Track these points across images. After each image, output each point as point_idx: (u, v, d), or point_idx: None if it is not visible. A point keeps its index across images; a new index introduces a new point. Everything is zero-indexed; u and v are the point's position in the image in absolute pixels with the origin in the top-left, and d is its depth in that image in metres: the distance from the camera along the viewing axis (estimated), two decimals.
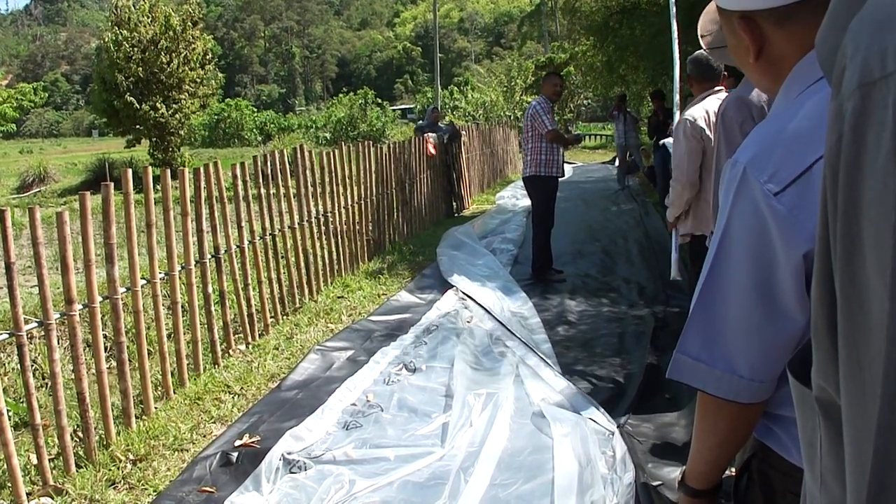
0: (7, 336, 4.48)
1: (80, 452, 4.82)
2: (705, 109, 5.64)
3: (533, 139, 9.15)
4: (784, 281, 1.47)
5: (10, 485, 4.24)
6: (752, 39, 1.59)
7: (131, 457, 4.87)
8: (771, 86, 1.67)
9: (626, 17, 15.03)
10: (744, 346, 1.56)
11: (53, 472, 4.56)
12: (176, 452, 4.97)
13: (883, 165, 0.69)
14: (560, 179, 9.28)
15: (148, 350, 5.62)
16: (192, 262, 6.22)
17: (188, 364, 6.14)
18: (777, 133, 1.51)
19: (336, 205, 9.29)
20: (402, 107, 74.67)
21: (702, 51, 5.92)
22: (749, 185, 1.48)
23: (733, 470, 1.87)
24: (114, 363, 5.49)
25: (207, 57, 31.73)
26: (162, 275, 5.83)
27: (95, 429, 4.92)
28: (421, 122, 16.91)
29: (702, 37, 3.56)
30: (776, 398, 1.64)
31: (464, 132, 16.48)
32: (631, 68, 15.67)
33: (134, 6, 29.71)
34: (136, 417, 5.33)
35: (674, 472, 4.36)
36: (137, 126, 29.86)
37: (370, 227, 10.51)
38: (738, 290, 1.54)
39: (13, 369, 6.29)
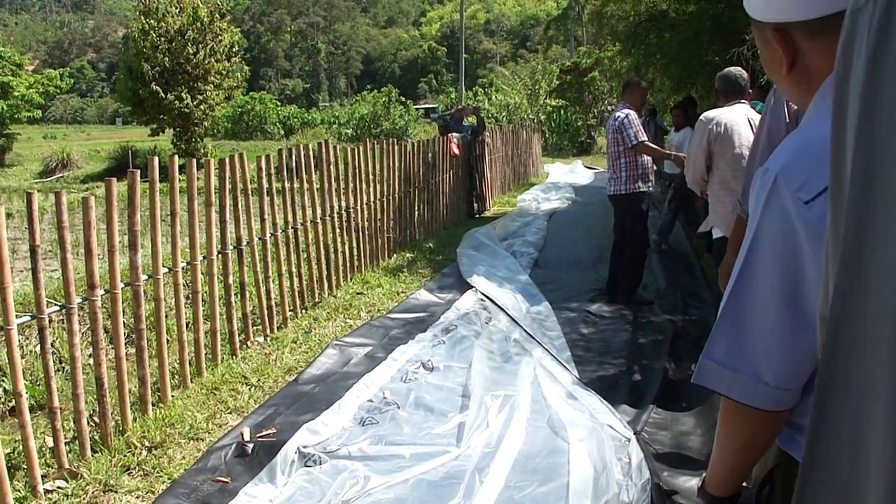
0: (29, 318, 4.49)
1: (96, 437, 4.83)
2: (723, 112, 6.17)
3: (626, 153, 8.38)
4: (812, 289, 1.48)
5: (25, 467, 4.26)
6: (785, 51, 1.62)
7: (147, 443, 4.88)
8: (802, 97, 1.68)
9: (654, 25, 14.97)
10: (770, 354, 1.57)
11: (69, 455, 4.57)
12: (191, 441, 4.97)
13: (860, 77, 0.83)
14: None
15: (166, 338, 5.63)
16: (214, 253, 6.23)
17: (206, 354, 6.15)
18: (809, 142, 1.52)
19: (358, 201, 9.29)
20: (426, 106, 74.64)
21: (731, 68, 6.20)
22: (780, 194, 1.50)
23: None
24: (132, 350, 5.50)
25: (233, 49, 31.78)
26: (184, 264, 5.83)
27: (112, 414, 4.92)
28: (445, 114, 16.74)
29: None
30: (801, 407, 1.64)
31: (487, 133, 16.44)
32: (658, 73, 15.61)
33: None
34: (153, 405, 5.34)
35: (689, 482, 4.33)
36: (161, 115, 29.93)
37: (391, 225, 10.51)
38: (766, 297, 1.55)
39: (31, 352, 6.31)
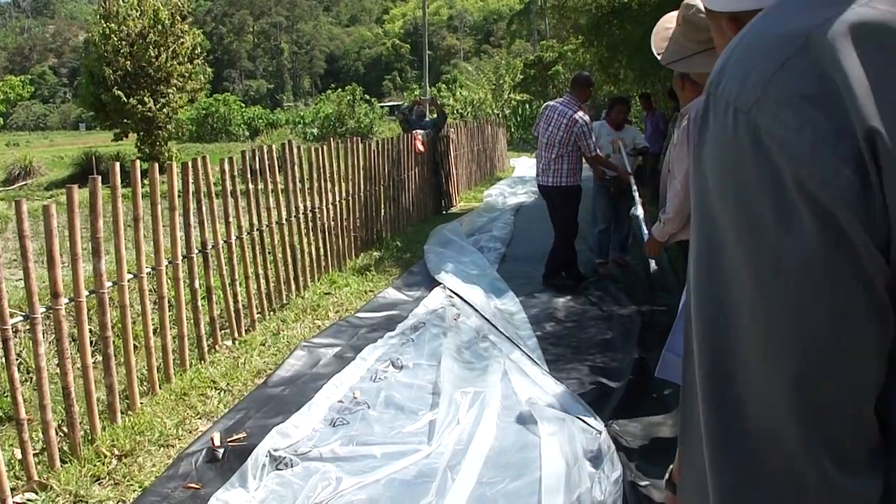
0: None
1: (65, 447, 4.80)
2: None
3: (573, 152, 8.76)
4: None
5: None
6: None
7: (116, 452, 4.85)
8: None
9: (617, 17, 15.03)
10: None
11: (38, 467, 4.53)
12: (161, 448, 4.95)
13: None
14: None
15: (134, 345, 5.59)
16: (179, 257, 6.20)
17: (174, 359, 6.11)
18: None
19: (324, 201, 9.27)
20: (391, 103, 74.44)
21: None
22: None
23: None
24: (99, 358, 5.47)
25: (196, 51, 31.64)
26: (149, 269, 5.80)
27: (80, 424, 4.89)
28: (405, 108, 16.64)
29: (658, 55, 3.54)
30: None
31: (452, 129, 16.42)
32: (622, 67, 15.66)
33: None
34: (122, 413, 5.31)
35: (661, 472, 4.36)
36: (125, 120, 29.78)
37: (358, 224, 10.49)
38: None
39: None
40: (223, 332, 6.99)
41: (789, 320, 0.77)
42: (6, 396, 5.25)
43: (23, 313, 4.69)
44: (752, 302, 0.79)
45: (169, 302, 6.10)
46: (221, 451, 4.74)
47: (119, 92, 28.45)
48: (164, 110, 29.76)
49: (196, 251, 6.50)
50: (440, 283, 8.69)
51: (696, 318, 0.88)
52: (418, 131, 14.03)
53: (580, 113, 8.59)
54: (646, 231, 5.63)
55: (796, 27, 0.79)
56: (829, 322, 0.75)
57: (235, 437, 4.95)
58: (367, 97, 47.18)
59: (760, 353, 0.79)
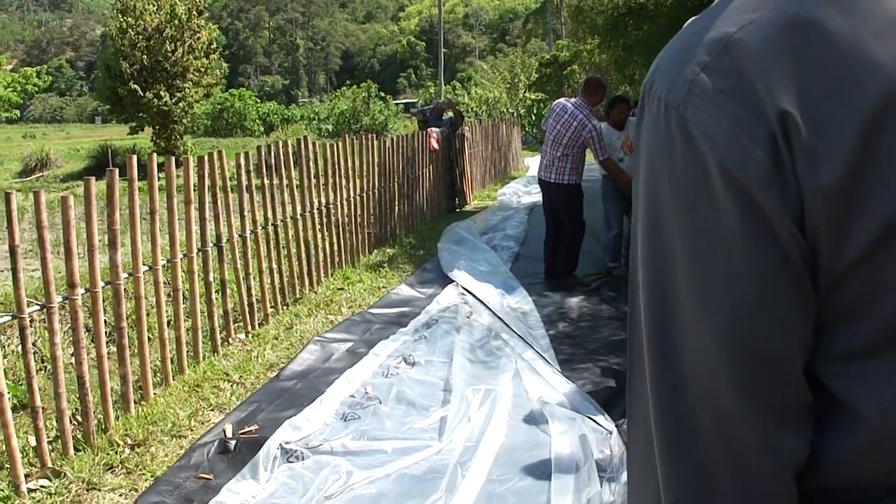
0: (9, 318, 4.49)
1: (79, 436, 4.83)
2: None
3: (578, 153, 8.99)
4: None
5: (8, 466, 4.26)
6: None
7: (129, 442, 4.88)
8: None
9: (634, 18, 14.97)
10: None
11: (52, 454, 4.57)
12: (174, 438, 4.98)
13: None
14: None
15: (148, 336, 5.63)
16: (194, 250, 6.23)
17: (188, 351, 6.15)
18: None
19: (338, 197, 9.30)
20: (405, 101, 74.37)
21: None
22: None
23: None
24: (114, 348, 5.50)
25: (212, 46, 31.60)
26: (164, 262, 5.83)
27: (94, 413, 4.93)
28: (424, 108, 16.62)
29: None
30: None
31: (467, 127, 16.42)
32: (640, 66, 15.58)
33: None
34: (135, 403, 5.34)
35: None
36: (141, 114, 29.75)
37: (372, 220, 10.52)
38: None
39: (13, 352, 6.30)
40: (236, 325, 7.02)
41: (719, 286, 0.87)
42: (22, 384, 5.29)
43: (39, 303, 4.73)
44: (687, 269, 0.90)
45: (183, 294, 6.14)
46: (233, 442, 4.77)
47: (135, 86, 28.44)
48: (180, 104, 29.73)
49: (211, 244, 6.53)
50: (453, 281, 8.70)
51: (642, 283, 0.97)
52: (433, 129, 14.04)
53: (592, 119, 8.67)
54: None
55: (721, 31, 0.89)
56: (753, 287, 0.85)
57: (247, 429, 4.97)
58: (382, 94, 47.12)
59: (696, 313, 0.90)
